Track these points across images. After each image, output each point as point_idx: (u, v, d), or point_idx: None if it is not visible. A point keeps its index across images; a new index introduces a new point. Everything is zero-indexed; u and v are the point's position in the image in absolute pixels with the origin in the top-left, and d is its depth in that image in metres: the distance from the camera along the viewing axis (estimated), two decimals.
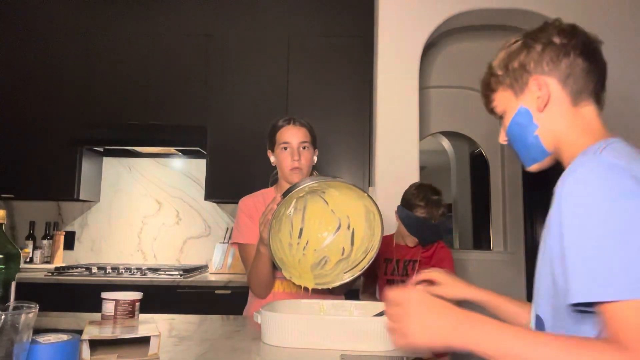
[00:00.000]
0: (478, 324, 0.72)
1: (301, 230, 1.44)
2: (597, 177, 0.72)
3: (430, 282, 1.19)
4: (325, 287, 1.37)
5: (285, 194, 1.32)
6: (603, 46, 0.92)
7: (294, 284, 1.37)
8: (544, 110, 0.90)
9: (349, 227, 1.44)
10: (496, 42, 3.77)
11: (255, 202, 1.62)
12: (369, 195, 1.35)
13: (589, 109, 0.89)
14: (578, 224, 0.71)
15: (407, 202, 1.98)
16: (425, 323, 0.75)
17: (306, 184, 1.31)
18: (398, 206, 2.02)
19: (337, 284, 1.38)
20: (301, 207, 1.44)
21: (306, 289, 1.36)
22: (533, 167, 0.96)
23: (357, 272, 1.39)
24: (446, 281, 1.17)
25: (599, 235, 0.68)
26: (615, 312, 0.65)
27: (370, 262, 1.39)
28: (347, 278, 1.39)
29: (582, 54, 0.88)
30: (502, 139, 0.99)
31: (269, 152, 1.64)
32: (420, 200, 1.94)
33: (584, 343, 0.66)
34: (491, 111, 1.00)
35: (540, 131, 0.91)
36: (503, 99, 0.95)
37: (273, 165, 1.65)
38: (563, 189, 0.75)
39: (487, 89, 0.99)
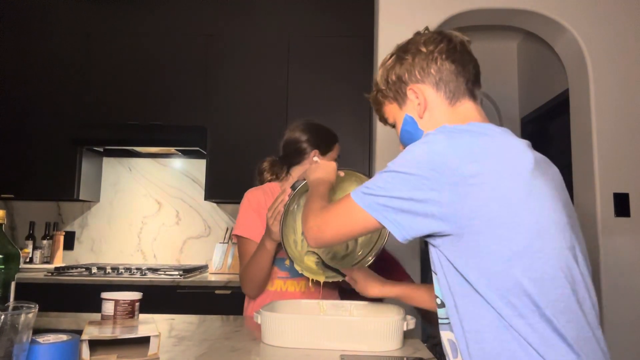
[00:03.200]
0: None
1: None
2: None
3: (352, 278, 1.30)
4: (335, 279, 1.36)
5: (294, 187, 1.31)
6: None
7: (301, 279, 1.35)
8: (424, 115, 0.96)
9: None
10: (496, 42, 3.78)
11: (265, 196, 1.57)
12: None
13: (466, 106, 0.95)
14: None
15: None
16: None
17: None
18: None
19: (343, 277, 1.37)
20: (303, 204, 1.43)
21: (317, 283, 1.35)
22: None
23: (365, 266, 1.39)
24: (362, 280, 1.27)
25: None
26: None
27: (377, 255, 1.40)
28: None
29: (448, 58, 0.94)
30: (401, 147, 1.04)
31: (316, 152, 1.56)
32: None
33: None
34: (385, 122, 1.06)
35: None
36: (391, 111, 1.02)
37: (312, 163, 1.54)
38: None
39: (377, 104, 1.06)
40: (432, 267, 0.88)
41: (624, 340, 2.31)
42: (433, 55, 0.94)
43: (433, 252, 0.86)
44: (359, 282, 1.27)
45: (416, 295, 1.20)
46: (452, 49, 0.95)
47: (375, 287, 1.25)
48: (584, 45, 2.61)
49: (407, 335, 1.21)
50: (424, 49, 0.95)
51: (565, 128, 2.91)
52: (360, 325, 1.12)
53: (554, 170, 0.90)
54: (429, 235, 0.83)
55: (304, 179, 1.29)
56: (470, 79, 0.95)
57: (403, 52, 0.98)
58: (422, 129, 0.95)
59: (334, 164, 1.25)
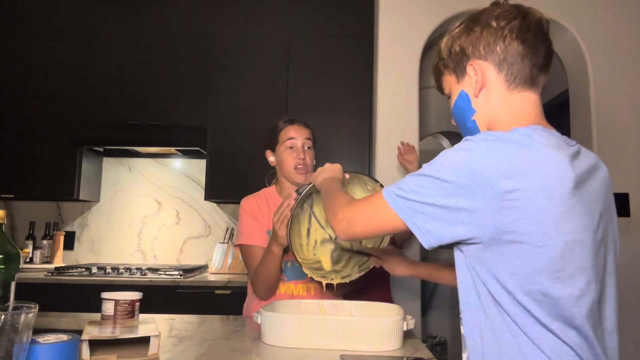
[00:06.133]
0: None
1: (308, 230, 1.44)
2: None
3: (379, 257, 1.36)
4: (347, 280, 1.37)
5: (299, 191, 1.31)
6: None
7: (298, 282, 1.35)
8: (479, 94, 0.90)
9: None
10: None
11: (258, 201, 1.61)
12: (381, 185, 1.35)
13: (524, 95, 0.89)
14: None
15: None
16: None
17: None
18: None
19: (356, 276, 1.39)
20: (307, 207, 1.44)
21: (329, 285, 1.36)
22: None
23: (371, 265, 1.39)
24: (391, 259, 1.34)
25: None
26: None
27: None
28: (362, 271, 1.40)
29: (518, 37, 0.87)
30: (452, 121, 1.01)
31: (268, 152, 1.64)
32: None
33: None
34: (442, 92, 1.01)
35: (477, 116, 0.92)
36: (449, 82, 0.97)
37: (272, 165, 1.65)
38: None
39: (436, 72, 1.01)
40: (456, 264, 0.87)
41: (624, 340, 2.31)
42: (502, 32, 0.87)
43: (455, 251, 0.85)
44: (387, 261, 1.33)
45: (442, 274, 1.24)
46: (524, 28, 0.87)
47: (402, 266, 1.32)
48: (584, 45, 2.61)
49: (407, 335, 1.21)
50: (494, 23, 0.88)
51: (565, 128, 2.91)
52: (360, 325, 1.12)
53: (599, 175, 0.86)
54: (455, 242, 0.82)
55: (309, 183, 1.30)
56: (537, 63, 0.87)
57: (473, 22, 0.92)
58: (475, 108, 0.91)
59: (338, 165, 1.27)
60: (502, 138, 0.78)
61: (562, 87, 3.03)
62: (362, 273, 1.40)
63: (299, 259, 1.31)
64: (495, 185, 0.74)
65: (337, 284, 1.36)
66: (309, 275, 1.33)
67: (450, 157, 0.79)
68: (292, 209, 1.30)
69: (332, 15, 2.96)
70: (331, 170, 1.24)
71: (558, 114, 3.20)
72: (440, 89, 1.01)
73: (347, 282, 1.37)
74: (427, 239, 0.80)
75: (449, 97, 0.99)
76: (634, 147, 2.55)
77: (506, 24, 0.87)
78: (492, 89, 0.89)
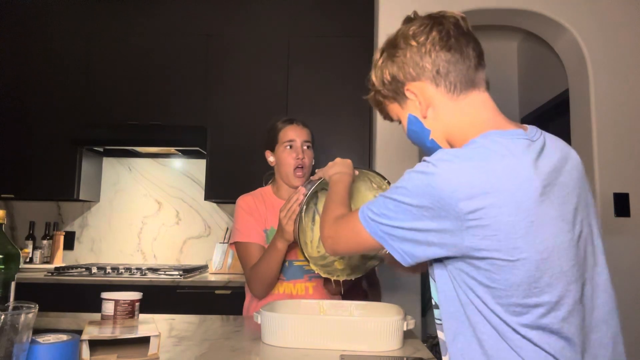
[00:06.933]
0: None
1: (312, 228, 1.44)
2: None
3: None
4: (352, 277, 1.38)
5: (308, 187, 1.31)
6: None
7: (297, 282, 1.35)
8: (427, 114, 0.89)
9: None
10: (496, 42, 3.78)
11: (255, 200, 1.61)
12: (388, 182, 1.35)
13: (470, 98, 0.87)
14: None
15: None
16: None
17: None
18: None
19: (360, 274, 1.40)
20: (312, 205, 1.44)
21: (337, 282, 1.36)
22: None
23: (375, 264, 1.40)
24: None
25: None
26: None
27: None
28: (369, 267, 1.41)
29: (443, 47, 0.86)
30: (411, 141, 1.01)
31: (268, 152, 1.64)
32: None
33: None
34: (391, 120, 1.00)
35: (434, 134, 0.90)
36: (394, 110, 0.97)
37: (271, 165, 1.66)
38: None
39: (377, 105, 1.00)
40: (430, 273, 0.88)
41: (624, 340, 2.30)
42: (425, 48, 0.86)
43: (435, 262, 0.85)
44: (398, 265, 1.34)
45: None
46: (445, 36, 0.85)
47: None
48: (584, 45, 2.61)
49: (407, 335, 1.21)
50: (413, 42, 0.87)
51: (565, 128, 2.91)
52: (360, 325, 1.12)
53: (569, 166, 0.84)
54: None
55: (319, 179, 1.30)
56: (471, 64, 0.86)
57: (393, 47, 0.91)
58: (428, 128, 0.90)
59: (349, 160, 1.28)
60: (458, 156, 0.77)
61: (562, 87, 3.03)
62: (366, 271, 1.41)
63: (306, 255, 1.31)
64: (457, 207, 0.74)
65: (342, 281, 1.37)
66: (316, 272, 1.33)
67: (412, 181, 0.80)
68: (300, 204, 1.29)
69: (332, 15, 2.96)
70: (342, 164, 1.26)
71: (558, 114, 3.20)
72: (387, 117, 1.00)
73: (352, 279, 1.38)
74: (404, 259, 0.82)
75: (399, 123, 0.98)
76: (634, 147, 2.55)
77: (425, 38, 0.86)
78: (437, 104, 0.88)
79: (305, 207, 1.39)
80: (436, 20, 0.88)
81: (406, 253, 0.82)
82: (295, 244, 1.41)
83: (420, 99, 0.88)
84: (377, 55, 0.96)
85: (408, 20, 0.93)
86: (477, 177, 0.74)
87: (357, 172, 1.31)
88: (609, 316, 0.84)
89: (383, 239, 0.84)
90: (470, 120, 0.86)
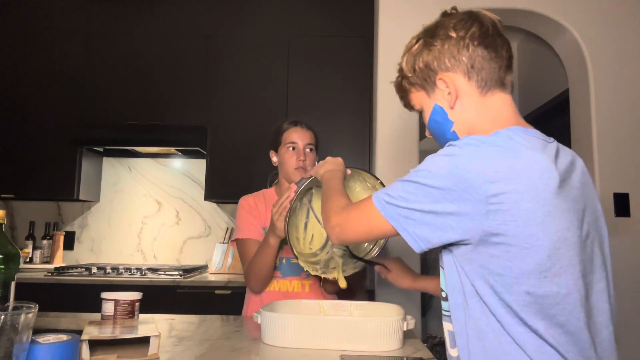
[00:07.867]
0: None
1: (306, 224, 1.44)
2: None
3: (385, 267, 1.37)
4: (347, 274, 1.39)
5: (299, 184, 1.32)
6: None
7: (293, 279, 1.35)
8: (455, 105, 0.91)
9: None
10: None
11: (257, 200, 1.64)
12: (381, 183, 1.35)
13: (497, 97, 0.90)
14: None
15: None
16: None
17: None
18: None
19: (351, 272, 1.40)
20: (306, 202, 1.44)
21: (326, 280, 1.37)
22: None
23: (368, 258, 1.40)
24: (397, 270, 1.36)
25: None
26: None
27: (381, 249, 1.42)
28: (358, 267, 1.41)
29: (481, 43, 0.88)
30: (427, 133, 1.02)
31: (272, 153, 1.66)
32: None
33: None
34: (411, 109, 1.02)
35: (457, 127, 0.92)
36: (418, 99, 0.98)
37: (275, 165, 1.67)
38: None
39: (402, 91, 1.01)
40: (440, 262, 0.88)
41: (623, 341, 2.31)
42: (464, 42, 0.88)
43: (444, 251, 0.86)
44: (392, 273, 1.35)
45: None
46: (484, 33, 0.89)
47: (407, 279, 1.33)
48: (584, 45, 2.61)
49: (407, 335, 1.21)
50: (453, 34, 0.89)
51: (565, 128, 2.91)
52: (360, 325, 1.12)
53: (578, 169, 0.87)
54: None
55: (310, 177, 1.30)
56: (503, 65, 0.89)
57: (431, 37, 0.93)
58: (452, 120, 0.92)
59: (340, 159, 1.28)
60: (485, 142, 0.80)
61: (562, 87, 3.03)
62: (357, 269, 1.41)
63: (295, 252, 1.32)
64: (480, 189, 0.75)
65: (331, 278, 1.38)
66: (305, 269, 1.33)
67: (435, 163, 0.81)
68: (291, 201, 1.30)
69: (332, 15, 2.96)
70: (333, 163, 1.26)
71: (558, 114, 3.20)
72: (408, 106, 1.02)
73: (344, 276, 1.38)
74: (418, 244, 0.82)
75: (419, 113, 0.99)
76: (634, 147, 2.55)
77: (465, 33, 0.89)
78: (465, 98, 0.90)
79: (299, 204, 1.40)
80: (476, 18, 0.91)
81: (420, 238, 0.81)
82: None
83: (452, 90, 0.90)
84: (412, 42, 0.97)
85: (447, 15, 0.95)
86: (503, 162, 0.77)
87: (349, 172, 1.31)
88: (609, 322, 0.84)
89: (398, 222, 0.83)
90: (494, 117, 0.89)
